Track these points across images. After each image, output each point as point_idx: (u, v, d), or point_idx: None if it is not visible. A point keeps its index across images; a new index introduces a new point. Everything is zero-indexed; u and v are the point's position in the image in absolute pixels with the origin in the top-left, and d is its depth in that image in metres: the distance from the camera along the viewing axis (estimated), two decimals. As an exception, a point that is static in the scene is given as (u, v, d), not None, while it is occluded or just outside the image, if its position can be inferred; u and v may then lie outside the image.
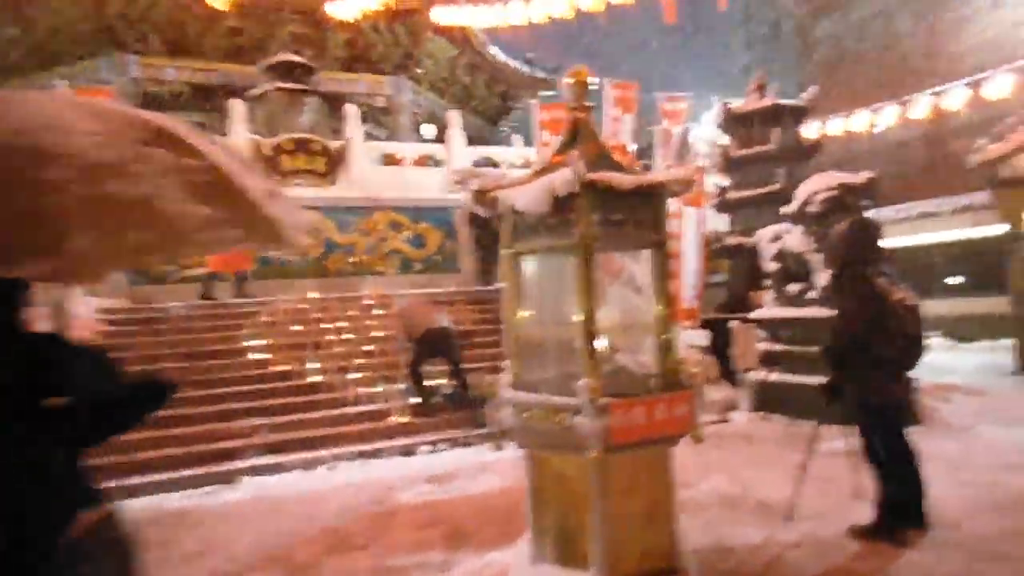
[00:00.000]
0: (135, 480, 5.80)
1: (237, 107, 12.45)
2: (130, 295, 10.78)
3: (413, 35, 18.99)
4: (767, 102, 10.14)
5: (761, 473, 5.47)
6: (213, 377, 7.47)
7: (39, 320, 7.25)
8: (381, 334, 8.63)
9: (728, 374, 8.72)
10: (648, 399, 3.16)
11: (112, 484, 5.73)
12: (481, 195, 3.32)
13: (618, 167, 3.27)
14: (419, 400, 7.33)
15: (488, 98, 23.25)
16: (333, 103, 15.00)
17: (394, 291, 10.26)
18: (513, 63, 22.77)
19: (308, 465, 6.26)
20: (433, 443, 6.81)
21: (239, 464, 6.17)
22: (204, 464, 6.13)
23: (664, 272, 3.33)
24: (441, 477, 5.79)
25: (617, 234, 3.25)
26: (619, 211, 3.22)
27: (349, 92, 17.99)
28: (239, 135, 12.25)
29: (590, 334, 3.13)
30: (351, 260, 12.53)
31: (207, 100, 17.01)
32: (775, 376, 7.85)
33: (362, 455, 6.50)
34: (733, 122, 10.56)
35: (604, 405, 3.01)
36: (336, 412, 7.16)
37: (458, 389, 7.33)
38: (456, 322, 9.30)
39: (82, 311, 8.25)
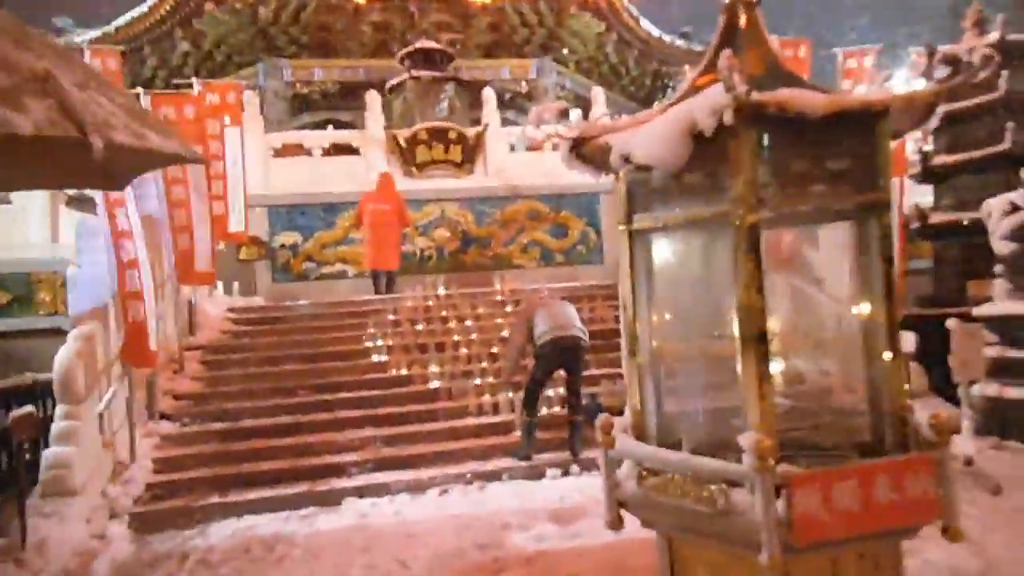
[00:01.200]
0: (233, 497, 5.31)
1: (373, 99, 12.13)
2: (270, 292, 10.82)
3: (557, 13, 17.97)
4: (990, 38, 7.96)
5: (1017, 535, 3.87)
6: (330, 381, 6.96)
7: (167, 319, 7.13)
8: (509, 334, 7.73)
9: (942, 387, 6.85)
10: (860, 467, 1.90)
11: (213, 500, 5.30)
12: (581, 144, 2.22)
13: (802, 85, 2.02)
14: (525, 424, 5.86)
15: (639, 77, 21.70)
16: (473, 90, 14.41)
17: (530, 285, 9.35)
18: (667, 37, 21.06)
19: (418, 487, 5.47)
20: (564, 465, 5.76)
21: (344, 483, 5.51)
22: (308, 481, 5.54)
23: (887, 254, 2.03)
24: (567, 513, 4.74)
25: (802, 194, 2.00)
26: (805, 156, 1.98)
27: (492, 79, 17.37)
28: (375, 128, 11.92)
29: (758, 355, 1.93)
30: (489, 253, 11.84)
31: (355, 97, 17.14)
32: (1014, 392, 5.98)
33: (479, 477, 5.60)
34: (941, 69, 8.45)
35: (783, 478, 1.81)
36: (455, 424, 6.34)
37: (574, 412, 5.88)
38: (592, 319, 8.21)
39: (211, 310, 8.13)
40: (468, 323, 8.04)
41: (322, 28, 16.93)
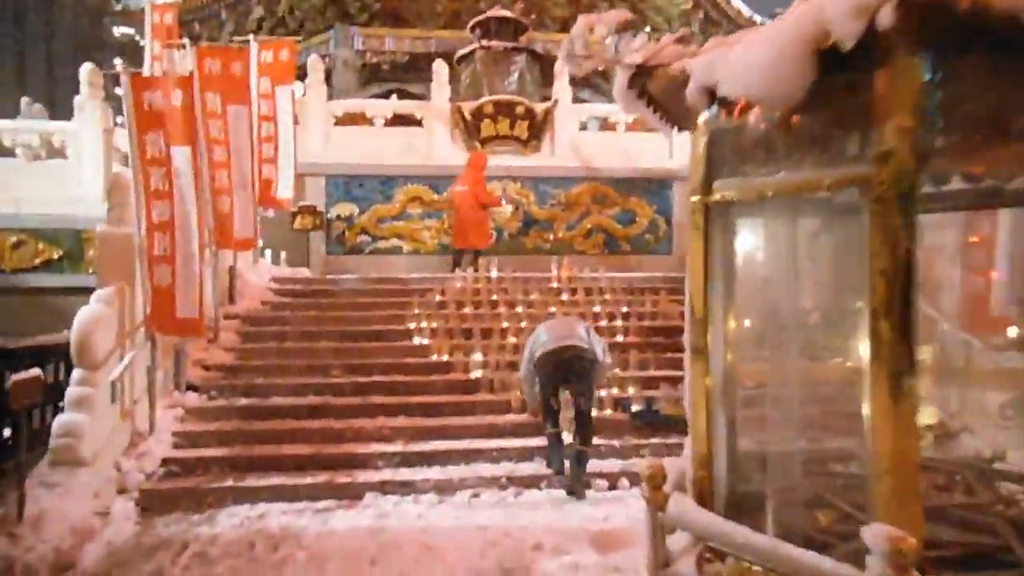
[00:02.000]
0: (249, 482, 4.90)
1: (440, 69, 11.59)
2: (323, 264, 10.53)
3: (641, -12, 17.01)
4: None
5: None
6: (366, 362, 6.49)
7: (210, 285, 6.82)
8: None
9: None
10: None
11: (228, 483, 4.91)
12: (646, 75, 1.57)
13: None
14: (548, 437, 4.95)
15: (724, 60, 20.50)
16: (546, 64, 13.70)
17: (590, 273, 8.67)
18: (758, 18, 19.76)
19: (448, 488, 4.93)
20: (612, 478, 5.11)
21: (368, 476, 5.02)
22: (330, 470, 5.09)
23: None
24: (609, 538, 4.10)
25: (991, 153, 1.30)
26: (1001, 94, 1.27)
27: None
28: (439, 99, 11.39)
29: (899, 395, 1.26)
30: (549, 237, 11.21)
31: (425, 69, 16.70)
32: None
33: (515, 482, 5.01)
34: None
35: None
36: (495, 420, 5.76)
37: (581, 440, 4.87)
38: (655, 314, 7.48)
39: (254, 279, 7.81)
40: (519, 309, 7.45)
41: (396, -4, 16.53)
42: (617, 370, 6.38)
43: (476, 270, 8.96)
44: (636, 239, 11.29)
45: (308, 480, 4.94)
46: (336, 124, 11.33)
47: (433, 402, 5.96)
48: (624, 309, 7.51)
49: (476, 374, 6.33)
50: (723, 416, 1.64)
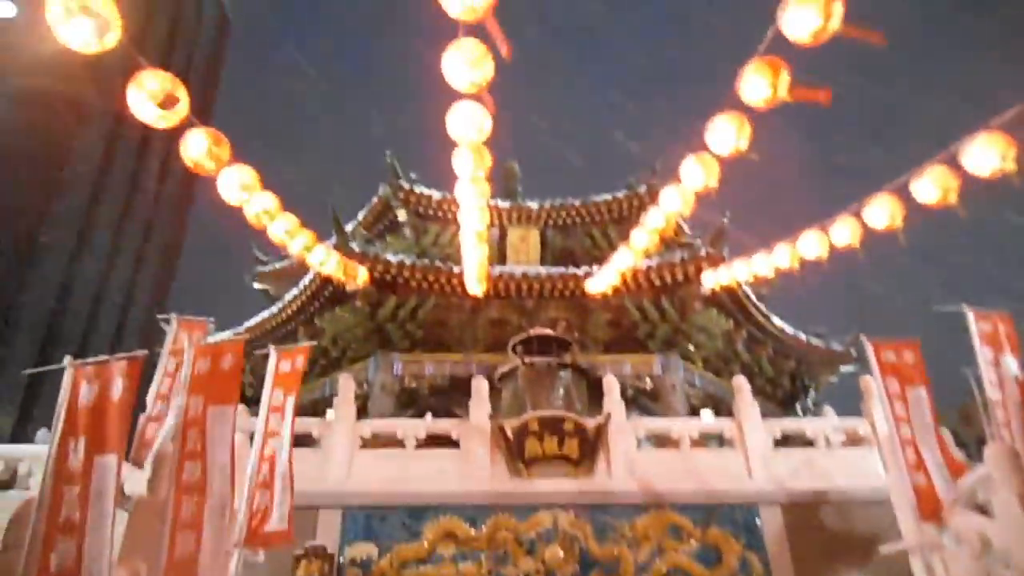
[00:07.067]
0: None
1: (479, 385, 10.61)
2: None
3: (681, 309, 16.85)
4: None
5: None
6: None
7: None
8: None
9: None
10: None
11: None
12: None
13: None
14: None
15: (776, 377, 19.56)
16: (593, 382, 12.76)
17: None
18: (802, 336, 19.36)
19: None
20: None
21: None
22: None
23: None
24: None
25: None
26: None
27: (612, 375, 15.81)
28: (479, 417, 10.17)
29: None
30: (615, 583, 8.91)
31: (466, 392, 15.97)
32: None
33: None
34: None
35: None
36: None
37: None
38: None
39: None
40: None
41: (438, 324, 16.54)
42: None
43: None
44: (727, 585, 8.92)
45: None
46: (363, 447, 10.03)
47: None
48: None
49: None
50: None
